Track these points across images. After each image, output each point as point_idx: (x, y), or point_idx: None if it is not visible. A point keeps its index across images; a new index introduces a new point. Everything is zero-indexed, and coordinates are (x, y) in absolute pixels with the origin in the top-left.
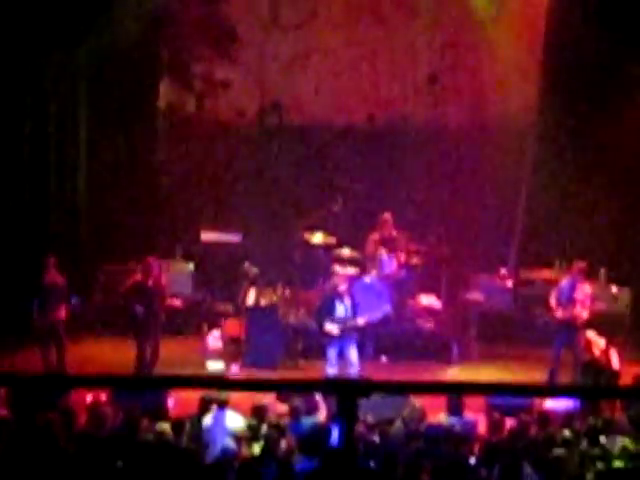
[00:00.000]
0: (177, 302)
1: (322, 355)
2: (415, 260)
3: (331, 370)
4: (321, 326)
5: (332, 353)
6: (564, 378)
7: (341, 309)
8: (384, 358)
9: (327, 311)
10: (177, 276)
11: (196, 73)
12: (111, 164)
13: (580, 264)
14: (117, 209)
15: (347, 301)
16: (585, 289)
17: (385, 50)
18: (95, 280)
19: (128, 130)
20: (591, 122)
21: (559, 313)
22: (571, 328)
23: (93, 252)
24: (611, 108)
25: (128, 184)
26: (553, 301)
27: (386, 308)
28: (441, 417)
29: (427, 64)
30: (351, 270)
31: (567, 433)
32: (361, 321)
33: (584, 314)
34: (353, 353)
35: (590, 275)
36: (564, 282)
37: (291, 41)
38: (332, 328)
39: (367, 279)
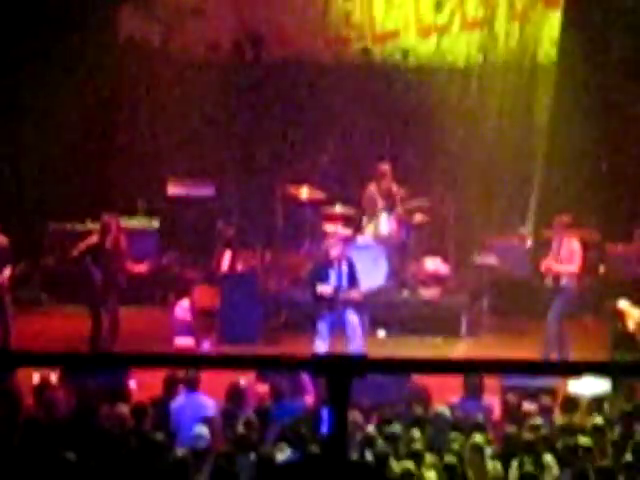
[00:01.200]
0: (140, 267)
1: (308, 329)
2: (418, 218)
3: (321, 345)
4: (313, 292)
5: (323, 325)
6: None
7: (334, 277)
8: (382, 332)
9: (319, 280)
10: (139, 236)
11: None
12: (60, 104)
13: (562, 218)
14: (68, 157)
15: (342, 267)
16: (571, 245)
17: None
18: (43, 241)
19: (82, 66)
20: (621, 56)
21: (548, 279)
22: (560, 291)
23: (40, 208)
24: None
25: (81, 128)
26: (543, 267)
27: (380, 280)
28: (452, 400)
29: None
30: (343, 230)
31: (597, 420)
32: (356, 294)
33: (570, 269)
34: (354, 322)
35: (626, 235)
36: (553, 243)
37: None
38: (325, 289)
39: (362, 240)
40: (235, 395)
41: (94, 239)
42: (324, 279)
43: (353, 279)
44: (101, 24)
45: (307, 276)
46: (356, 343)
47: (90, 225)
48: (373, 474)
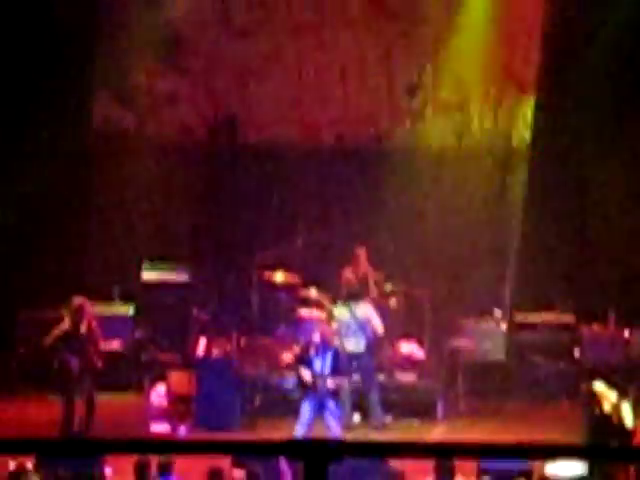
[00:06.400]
0: (113, 344)
1: (285, 413)
2: (393, 302)
3: (300, 429)
4: (298, 376)
5: (306, 408)
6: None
7: (318, 363)
8: (357, 417)
9: (303, 364)
10: (115, 322)
11: (136, 84)
12: (34, 191)
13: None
14: (42, 242)
15: (327, 354)
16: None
17: (356, 58)
18: (15, 329)
19: (56, 151)
20: (594, 140)
21: None
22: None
23: (12, 295)
24: (625, 124)
25: (56, 214)
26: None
27: (362, 346)
28: None
29: (405, 74)
30: (318, 313)
31: None
32: (331, 383)
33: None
34: (334, 411)
35: (597, 318)
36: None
37: (245, 47)
38: (305, 374)
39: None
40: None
41: (66, 325)
42: (308, 364)
43: (336, 368)
44: (75, 109)
45: (294, 360)
46: (335, 431)
47: (63, 311)
48: None
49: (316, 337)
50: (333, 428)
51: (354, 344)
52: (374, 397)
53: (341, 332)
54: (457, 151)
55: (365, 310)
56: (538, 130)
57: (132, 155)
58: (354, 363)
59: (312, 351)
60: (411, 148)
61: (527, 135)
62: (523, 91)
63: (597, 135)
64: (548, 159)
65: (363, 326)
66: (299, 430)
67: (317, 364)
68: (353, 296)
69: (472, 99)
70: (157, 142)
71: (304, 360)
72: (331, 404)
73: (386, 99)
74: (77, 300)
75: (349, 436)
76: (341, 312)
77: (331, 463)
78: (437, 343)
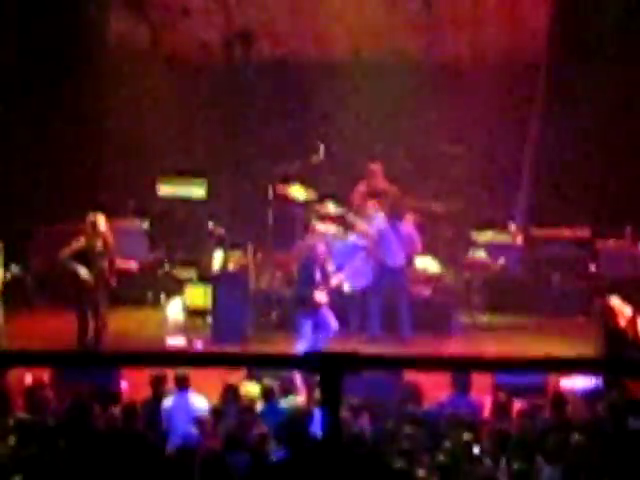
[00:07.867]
0: (129, 264)
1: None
2: (408, 216)
3: (303, 345)
4: (304, 297)
5: (308, 326)
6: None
7: (319, 275)
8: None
9: (307, 280)
10: (129, 236)
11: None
12: (50, 107)
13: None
14: (58, 157)
15: (328, 265)
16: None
17: None
18: (32, 243)
19: (72, 68)
20: (613, 54)
21: None
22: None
23: (30, 210)
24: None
25: (70, 129)
26: None
27: (369, 279)
28: (442, 397)
29: None
30: (334, 229)
31: (587, 416)
32: (337, 281)
33: None
34: (333, 322)
35: (615, 233)
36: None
37: None
38: (322, 297)
39: (352, 239)
40: (229, 394)
41: (82, 242)
42: (312, 278)
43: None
44: (90, 25)
45: (297, 275)
46: (327, 342)
47: (80, 226)
48: (367, 470)
49: (321, 247)
50: (325, 340)
51: (394, 258)
52: (405, 310)
53: (383, 246)
54: (473, 65)
55: (407, 226)
56: (555, 42)
57: (147, 71)
58: (393, 277)
59: (315, 263)
60: (427, 61)
61: (544, 47)
62: (537, 2)
63: (618, 45)
64: (566, 72)
65: (404, 241)
66: (302, 346)
67: (318, 276)
68: (396, 212)
69: (488, 12)
70: (172, 57)
71: (308, 275)
72: (324, 317)
73: (402, 13)
74: (91, 217)
75: (371, 349)
76: (384, 227)
77: (346, 375)
78: (452, 258)
